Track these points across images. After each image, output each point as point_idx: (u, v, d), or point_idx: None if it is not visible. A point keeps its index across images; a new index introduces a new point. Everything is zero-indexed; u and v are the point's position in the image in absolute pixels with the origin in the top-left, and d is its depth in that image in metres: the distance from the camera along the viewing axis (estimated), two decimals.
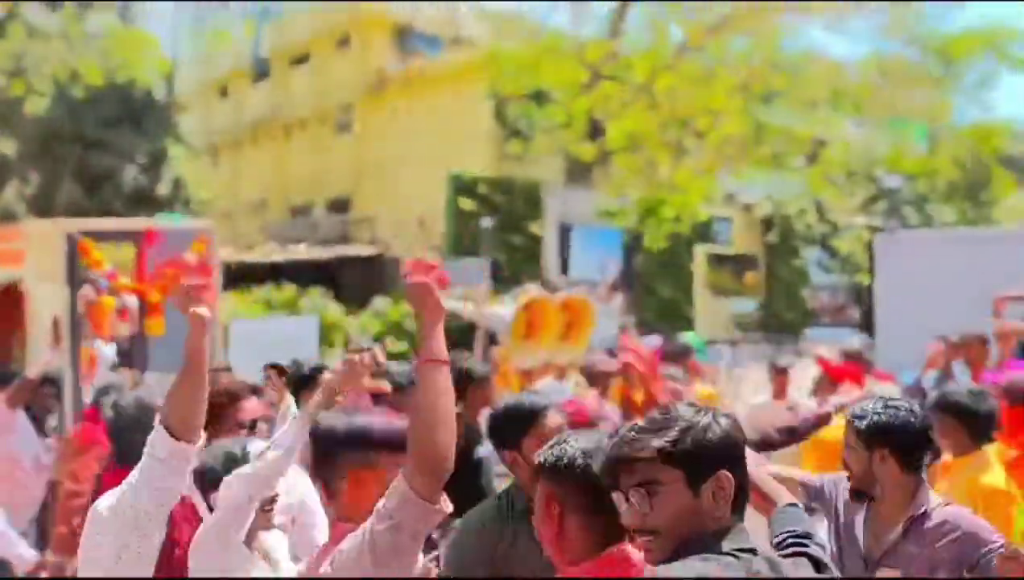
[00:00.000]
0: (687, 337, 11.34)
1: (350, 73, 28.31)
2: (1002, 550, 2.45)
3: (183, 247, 6.73)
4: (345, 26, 28.79)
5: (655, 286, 21.76)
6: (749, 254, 24.45)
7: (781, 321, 23.93)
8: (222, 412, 3.11)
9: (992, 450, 4.05)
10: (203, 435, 2.42)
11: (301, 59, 31.24)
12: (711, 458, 1.61)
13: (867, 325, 10.85)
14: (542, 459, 1.98)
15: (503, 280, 14.99)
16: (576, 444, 1.95)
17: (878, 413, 2.62)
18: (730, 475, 1.62)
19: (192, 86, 34.85)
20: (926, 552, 2.54)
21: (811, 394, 5.85)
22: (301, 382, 4.22)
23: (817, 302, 25.05)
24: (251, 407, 3.33)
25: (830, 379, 5.28)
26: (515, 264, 18.71)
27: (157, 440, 2.25)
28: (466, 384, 5.23)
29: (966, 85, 27.26)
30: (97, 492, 5.02)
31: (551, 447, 2.00)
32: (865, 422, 2.62)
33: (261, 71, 32.70)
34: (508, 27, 27.50)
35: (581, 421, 3.77)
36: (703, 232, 22.26)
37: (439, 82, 25.10)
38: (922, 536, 2.57)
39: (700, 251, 23.02)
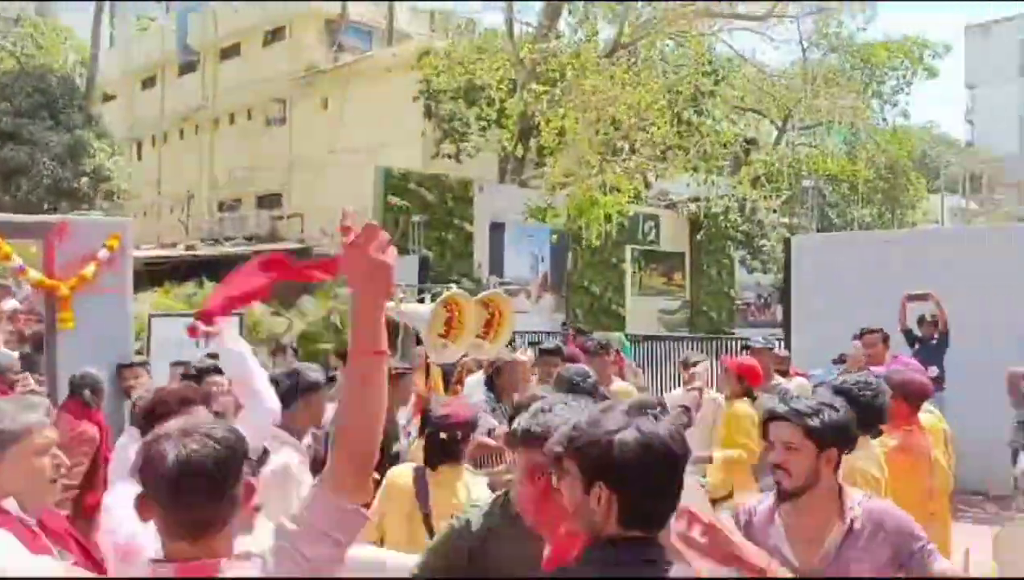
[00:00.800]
0: (613, 337, 11.57)
1: (281, 66, 27.91)
2: (930, 546, 2.44)
3: (96, 242, 6.63)
4: (276, 18, 28.36)
5: (586, 284, 22.00)
6: (677, 253, 24.89)
7: (708, 319, 24.44)
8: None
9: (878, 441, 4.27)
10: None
11: (231, 51, 30.67)
12: (594, 467, 1.61)
13: (788, 324, 11.14)
14: (526, 427, 1.90)
15: (434, 278, 14.96)
16: (562, 414, 1.91)
17: (827, 411, 2.47)
18: (607, 490, 1.59)
19: (116, 76, 33.91)
20: (866, 555, 2.43)
21: (718, 391, 6.00)
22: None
23: (743, 301, 25.64)
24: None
25: (736, 377, 5.41)
26: (446, 262, 18.70)
27: None
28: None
29: (884, 91, 28.29)
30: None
31: (534, 416, 1.93)
32: (818, 421, 2.44)
33: (189, 63, 32.00)
34: (442, 23, 27.47)
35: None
36: (633, 231, 22.59)
37: (372, 77, 24.91)
38: (858, 538, 2.45)
39: (630, 250, 23.35)
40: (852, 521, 2.46)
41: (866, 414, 3.60)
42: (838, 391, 3.49)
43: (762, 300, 25.58)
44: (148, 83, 34.48)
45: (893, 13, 40.63)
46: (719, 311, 25.12)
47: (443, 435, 3.73)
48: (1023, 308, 8.73)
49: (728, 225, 24.42)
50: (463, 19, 25.86)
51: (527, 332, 14.49)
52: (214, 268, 17.17)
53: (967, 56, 65.46)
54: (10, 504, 2.36)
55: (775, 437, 2.51)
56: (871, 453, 3.70)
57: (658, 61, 21.28)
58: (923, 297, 8.75)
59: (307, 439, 5.12)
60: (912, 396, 4.21)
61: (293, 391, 3.90)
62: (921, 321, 8.96)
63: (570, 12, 21.33)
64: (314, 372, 4.11)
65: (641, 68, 19.70)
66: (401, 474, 3.76)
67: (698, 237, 24.86)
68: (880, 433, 3.83)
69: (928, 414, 5.12)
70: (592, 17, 20.51)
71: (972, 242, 10.27)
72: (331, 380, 5.67)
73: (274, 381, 4.07)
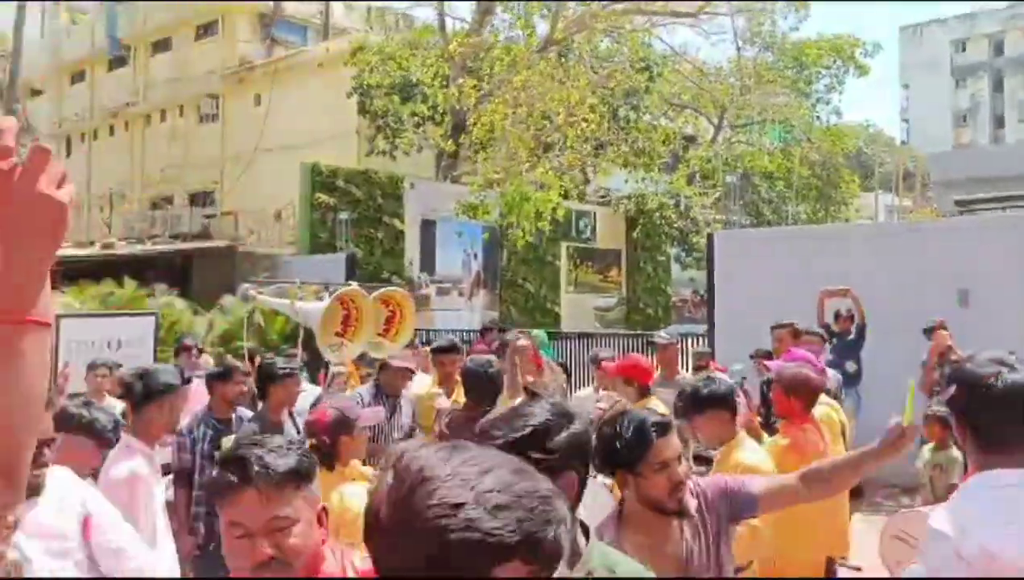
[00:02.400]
0: (536, 334, 11.46)
1: (213, 61, 27.31)
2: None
3: None
4: (208, 12, 27.74)
5: (520, 281, 21.86)
6: (613, 249, 24.90)
7: (644, 316, 24.50)
8: None
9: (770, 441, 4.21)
10: None
11: (161, 45, 29.95)
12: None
13: (711, 318, 11.17)
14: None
15: (362, 276, 14.68)
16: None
17: None
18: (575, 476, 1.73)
19: (44, 71, 32.90)
20: (701, 531, 2.48)
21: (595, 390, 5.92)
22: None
23: (678, 297, 25.79)
24: None
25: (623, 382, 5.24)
26: (376, 259, 18.41)
27: None
28: (266, 382, 5.07)
29: (818, 89, 28.75)
30: None
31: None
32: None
33: (118, 56, 31.16)
34: (378, 19, 27.14)
35: None
36: (568, 228, 22.53)
37: (305, 72, 24.51)
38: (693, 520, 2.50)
39: (564, 247, 23.28)
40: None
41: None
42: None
43: (698, 296, 25.76)
44: (77, 78, 33.53)
45: (826, 13, 41.40)
46: (655, 308, 25.22)
47: (312, 441, 3.60)
48: (940, 302, 8.80)
49: (664, 222, 24.51)
50: (398, 15, 25.57)
51: (461, 330, 14.33)
52: (137, 267, 16.68)
53: (901, 56, 67.17)
54: None
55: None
56: (741, 440, 3.65)
57: (589, 57, 21.22)
58: (841, 293, 8.79)
59: (169, 446, 4.88)
60: (801, 393, 4.13)
61: (145, 394, 3.68)
62: (837, 316, 9.01)
63: (503, 8, 21.20)
64: (166, 374, 3.87)
65: (572, 64, 19.65)
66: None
67: (634, 234, 24.91)
68: (775, 431, 3.77)
69: (823, 406, 5.09)
70: (524, 13, 20.39)
71: (888, 238, 10.40)
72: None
73: (126, 384, 3.85)
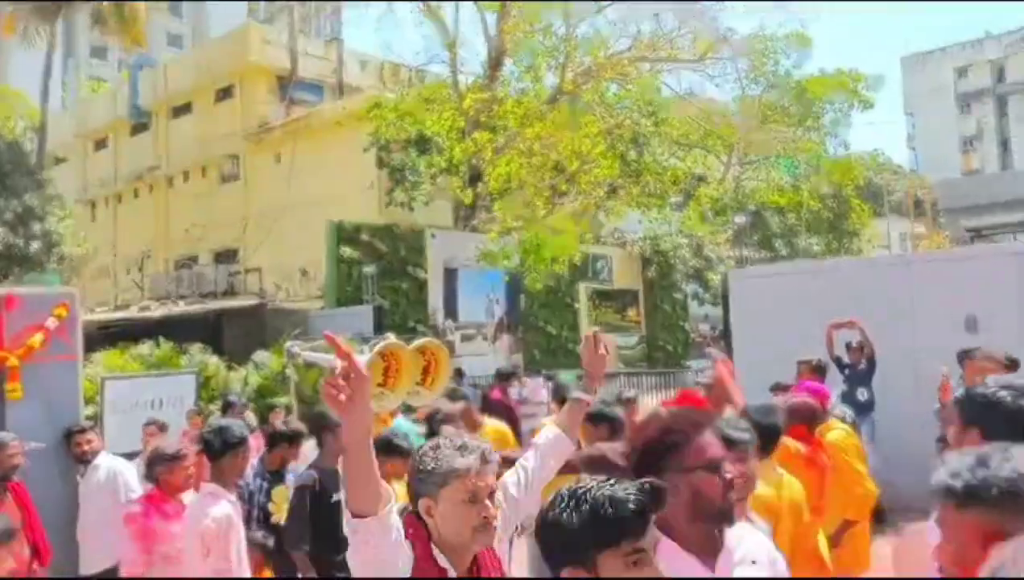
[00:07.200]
0: (562, 376, 11.85)
1: (233, 122, 28.13)
2: None
3: (44, 312, 6.80)
4: (227, 75, 28.67)
5: (541, 324, 22.31)
6: (630, 290, 25.36)
7: (664, 353, 24.84)
8: None
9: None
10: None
11: (182, 109, 30.87)
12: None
13: (730, 354, 11.50)
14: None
15: (389, 326, 15.16)
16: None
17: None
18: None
19: (68, 139, 33.90)
20: None
21: None
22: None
23: (697, 333, 26.11)
24: None
25: None
26: (401, 310, 18.91)
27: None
28: (323, 430, 5.53)
29: (825, 124, 29.21)
30: None
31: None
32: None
33: (140, 122, 32.14)
34: (389, 75, 27.97)
35: None
36: (585, 270, 23.02)
37: (322, 130, 25.23)
38: None
39: (583, 289, 23.76)
40: None
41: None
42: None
43: (717, 331, 26.10)
44: (100, 144, 34.51)
45: (830, 47, 41.98)
46: (675, 345, 25.56)
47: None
48: (948, 331, 9.13)
49: (678, 261, 24.98)
50: (411, 71, 26.37)
51: (486, 376, 14.70)
52: (169, 327, 17.23)
53: (905, 84, 67.80)
54: None
55: None
56: (769, 477, 4.02)
57: (597, 106, 21.88)
58: (847, 325, 9.18)
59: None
60: (800, 418, 4.55)
61: (222, 447, 4.14)
62: (848, 347, 9.38)
63: (514, 62, 21.93)
64: (239, 428, 4.34)
65: (581, 113, 20.28)
66: None
67: (650, 274, 25.38)
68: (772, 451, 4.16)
69: (838, 431, 5.49)
70: (533, 66, 21.10)
71: (893, 269, 10.76)
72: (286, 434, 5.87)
73: (205, 440, 4.31)
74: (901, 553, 4.84)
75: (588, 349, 2.79)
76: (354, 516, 2.10)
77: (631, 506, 1.70)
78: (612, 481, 1.76)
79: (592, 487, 1.74)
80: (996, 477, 1.62)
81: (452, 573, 2.27)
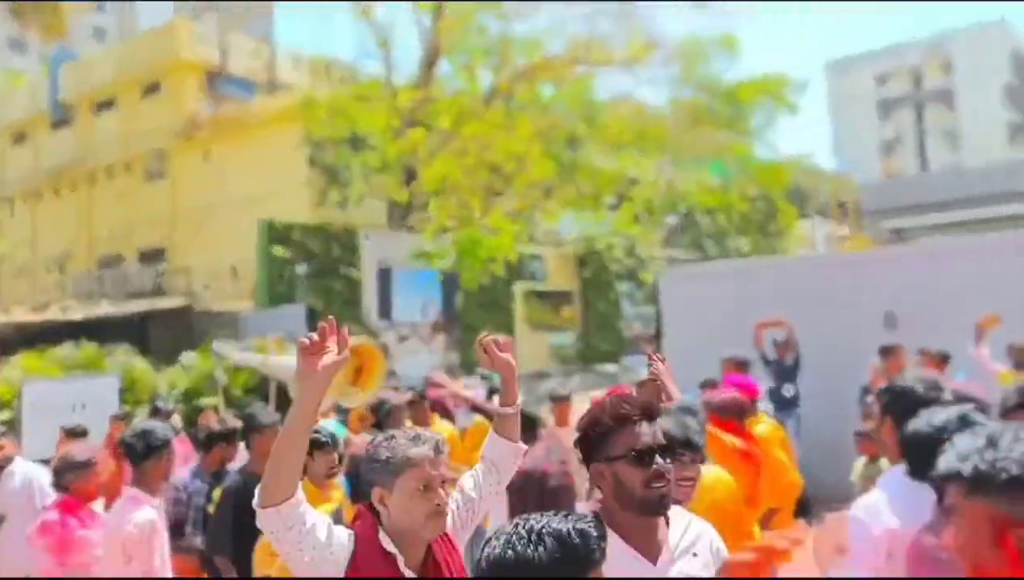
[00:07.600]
0: (495, 378, 11.89)
1: (160, 118, 27.43)
2: None
3: None
4: (154, 71, 27.93)
5: (477, 324, 22.27)
6: (565, 290, 25.55)
7: (598, 351, 25.08)
8: None
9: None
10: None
11: (106, 105, 29.96)
12: None
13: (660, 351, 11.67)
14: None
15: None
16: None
17: None
18: None
19: None
20: None
21: None
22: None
23: (631, 332, 26.41)
24: None
25: None
26: (334, 310, 18.68)
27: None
28: (250, 432, 5.42)
29: (752, 127, 29.89)
30: None
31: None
32: None
33: (61, 117, 31.08)
34: (322, 73, 27.64)
35: None
36: (520, 270, 23.09)
37: (254, 127, 24.77)
38: None
39: (518, 289, 23.84)
40: None
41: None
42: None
43: (650, 330, 26.44)
44: (19, 139, 33.29)
45: (759, 51, 43.03)
46: (610, 343, 25.82)
47: None
48: (868, 328, 9.44)
49: (612, 261, 25.27)
50: (344, 69, 26.09)
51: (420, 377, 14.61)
52: (92, 329, 16.71)
53: (829, 89, 69.86)
54: None
55: None
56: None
57: (532, 107, 21.99)
58: (775, 323, 9.42)
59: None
60: (731, 413, 4.66)
61: (145, 450, 4.03)
62: (775, 344, 9.63)
63: (449, 61, 21.89)
64: (163, 430, 4.23)
65: (516, 113, 20.35)
66: None
67: (585, 273, 25.61)
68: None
69: (765, 424, 5.64)
70: (469, 65, 21.10)
71: (817, 269, 11.09)
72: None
73: (127, 444, 4.19)
74: (818, 541, 5.00)
75: (487, 358, 2.58)
76: (260, 506, 2.19)
77: (595, 533, 1.66)
78: (561, 513, 1.70)
79: (543, 521, 1.66)
80: (1007, 459, 1.50)
81: (400, 561, 2.32)
